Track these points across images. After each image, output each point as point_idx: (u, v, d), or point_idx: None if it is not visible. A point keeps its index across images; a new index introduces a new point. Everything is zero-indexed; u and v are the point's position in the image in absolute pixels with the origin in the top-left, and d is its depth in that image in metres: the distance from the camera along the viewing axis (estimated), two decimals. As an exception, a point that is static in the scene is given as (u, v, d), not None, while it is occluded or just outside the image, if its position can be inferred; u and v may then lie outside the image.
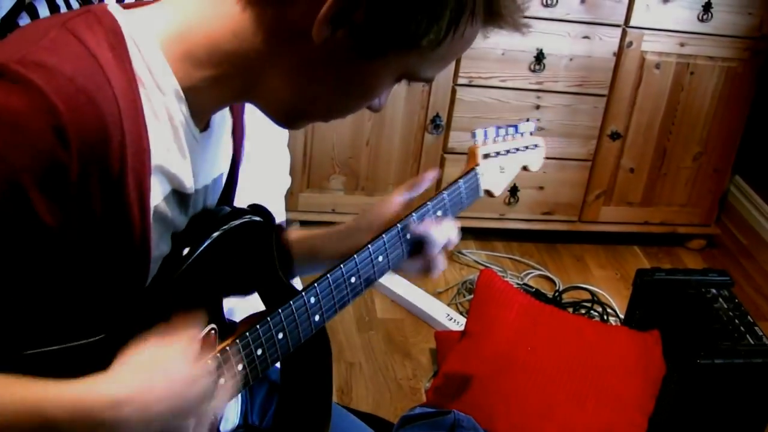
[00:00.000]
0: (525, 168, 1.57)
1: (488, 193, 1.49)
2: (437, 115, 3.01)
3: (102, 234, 0.91)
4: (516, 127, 1.52)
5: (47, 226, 0.85)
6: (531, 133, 1.56)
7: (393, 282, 2.92)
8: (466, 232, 3.20)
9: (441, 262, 1.33)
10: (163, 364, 0.93)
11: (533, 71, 3.00)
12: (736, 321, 2.37)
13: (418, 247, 1.33)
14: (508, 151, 1.51)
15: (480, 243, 3.29)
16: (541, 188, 3.20)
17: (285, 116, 1.05)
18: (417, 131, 3.04)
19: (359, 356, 2.66)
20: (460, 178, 1.41)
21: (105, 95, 0.86)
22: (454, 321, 2.79)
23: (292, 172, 2.63)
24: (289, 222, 2.88)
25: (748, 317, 2.40)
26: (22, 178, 0.82)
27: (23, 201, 0.83)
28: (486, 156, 1.46)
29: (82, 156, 0.84)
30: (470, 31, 0.96)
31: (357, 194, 3.12)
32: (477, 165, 1.44)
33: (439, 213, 1.36)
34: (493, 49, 2.93)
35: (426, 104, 3.00)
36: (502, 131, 1.49)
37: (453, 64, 2.91)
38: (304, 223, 3.13)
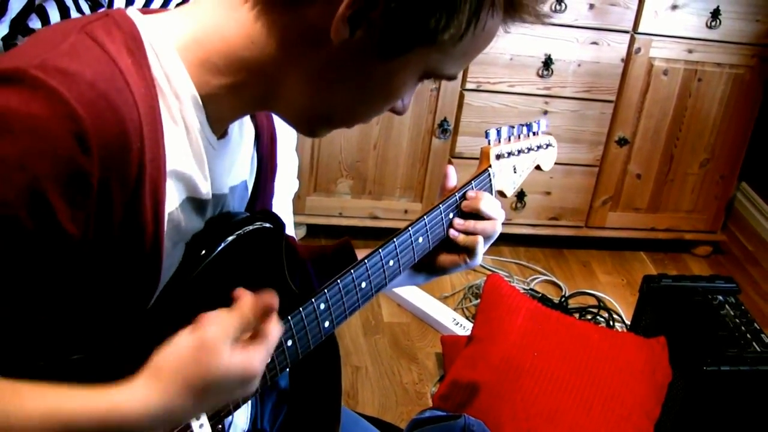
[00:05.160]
0: (538, 167, 1.55)
1: (500, 193, 1.47)
2: (445, 120, 3.01)
3: (117, 241, 0.90)
4: (529, 126, 1.49)
5: (69, 234, 0.84)
6: (543, 132, 1.53)
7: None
8: (473, 237, 3.20)
9: (481, 246, 1.35)
10: (197, 357, 0.90)
11: (541, 77, 3.01)
12: (743, 328, 2.37)
13: (450, 241, 1.35)
14: (520, 151, 1.48)
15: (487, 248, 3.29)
16: (548, 193, 3.21)
17: (306, 124, 1.04)
18: (425, 135, 3.05)
19: (365, 360, 2.66)
20: (472, 179, 1.40)
21: (125, 101, 0.85)
22: (460, 325, 2.79)
23: (299, 176, 2.63)
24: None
25: (755, 324, 2.40)
26: (45, 185, 0.81)
27: (46, 209, 0.82)
28: (498, 157, 1.44)
29: (103, 162, 0.84)
30: (492, 23, 0.93)
31: (364, 198, 3.12)
32: (489, 166, 1.42)
33: (451, 215, 1.36)
34: (501, 54, 2.93)
35: (434, 109, 3.00)
36: (515, 131, 1.46)
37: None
38: (310, 227, 3.14)
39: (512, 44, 2.93)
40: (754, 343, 2.32)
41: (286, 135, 2.33)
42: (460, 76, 2.93)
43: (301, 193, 3.00)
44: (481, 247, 1.36)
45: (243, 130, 1.12)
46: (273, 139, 1.23)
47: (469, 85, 2.98)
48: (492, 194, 1.44)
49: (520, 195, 3.16)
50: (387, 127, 3.01)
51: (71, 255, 0.87)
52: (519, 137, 1.49)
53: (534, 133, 1.51)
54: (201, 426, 1.04)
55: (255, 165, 1.19)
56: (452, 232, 1.36)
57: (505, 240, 3.32)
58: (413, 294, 2.91)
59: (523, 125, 1.49)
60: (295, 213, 2.84)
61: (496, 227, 1.37)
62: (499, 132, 1.44)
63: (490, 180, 1.44)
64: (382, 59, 0.93)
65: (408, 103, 1.06)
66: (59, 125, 0.81)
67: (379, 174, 3.10)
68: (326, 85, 0.97)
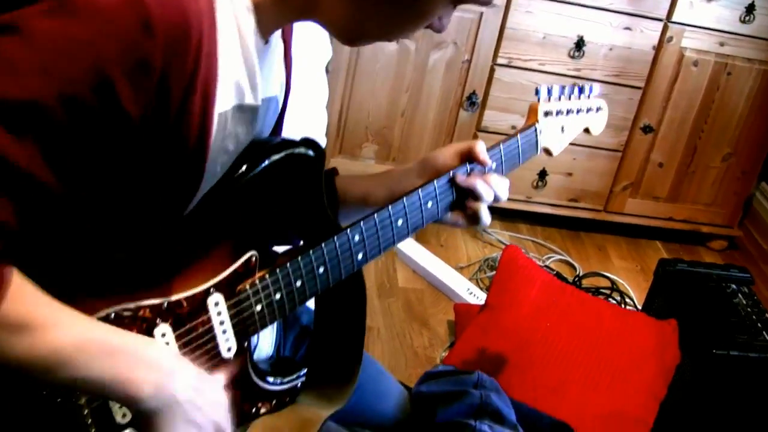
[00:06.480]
0: (586, 130, 1.56)
1: (546, 151, 1.48)
2: (474, 93, 3.03)
3: (169, 133, 0.94)
4: (581, 88, 1.50)
5: (129, 116, 0.89)
6: (595, 96, 1.54)
7: (416, 253, 2.95)
8: (492, 212, 3.22)
9: (485, 216, 1.35)
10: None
11: (572, 57, 3.02)
12: (754, 317, 2.39)
13: (463, 198, 1.34)
14: (569, 111, 1.49)
15: (505, 224, 3.32)
16: (570, 174, 3.22)
17: (346, 36, 1.09)
18: (452, 107, 3.07)
19: (378, 321, 2.69)
20: (518, 132, 1.41)
21: None
22: (474, 295, 2.82)
23: (326, 137, 2.65)
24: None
25: (766, 315, 2.42)
26: (110, 66, 0.85)
27: (109, 89, 0.86)
28: (547, 114, 1.45)
29: (165, 50, 0.88)
30: None
31: (388, 164, 3.14)
32: (537, 122, 1.43)
33: (494, 165, 1.37)
34: (534, 32, 2.95)
35: (464, 81, 3.02)
36: (566, 90, 1.47)
37: (494, 44, 2.94)
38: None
39: (546, 23, 2.95)
40: (764, 333, 2.34)
41: (317, 91, 2.35)
42: (492, 50, 2.96)
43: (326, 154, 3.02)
44: (485, 213, 1.37)
45: (278, 44, 1.16)
46: (291, 58, 1.26)
47: (500, 60, 2.99)
48: (537, 151, 1.46)
49: (542, 174, 3.17)
50: (416, 96, 3.03)
51: (127, 138, 0.91)
52: (570, 97, 1.49)
53: (586, 96, 1.52)
54: (163, 335, 1.07)
55: (283, 81, 1.23)
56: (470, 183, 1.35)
57: (523, 218, 3.34)
58: (429, 261, 2.94)
59: (575, 86, 1.49)
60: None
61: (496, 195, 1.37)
62: (550, 90, 1.45)
63: (536, 136, 1.44)
64: None
65: (447, 23, 1.10)
66: (127, 10, 0.85)
67: (405, 142, 3.12)
68: (361, 8, 1.03)
